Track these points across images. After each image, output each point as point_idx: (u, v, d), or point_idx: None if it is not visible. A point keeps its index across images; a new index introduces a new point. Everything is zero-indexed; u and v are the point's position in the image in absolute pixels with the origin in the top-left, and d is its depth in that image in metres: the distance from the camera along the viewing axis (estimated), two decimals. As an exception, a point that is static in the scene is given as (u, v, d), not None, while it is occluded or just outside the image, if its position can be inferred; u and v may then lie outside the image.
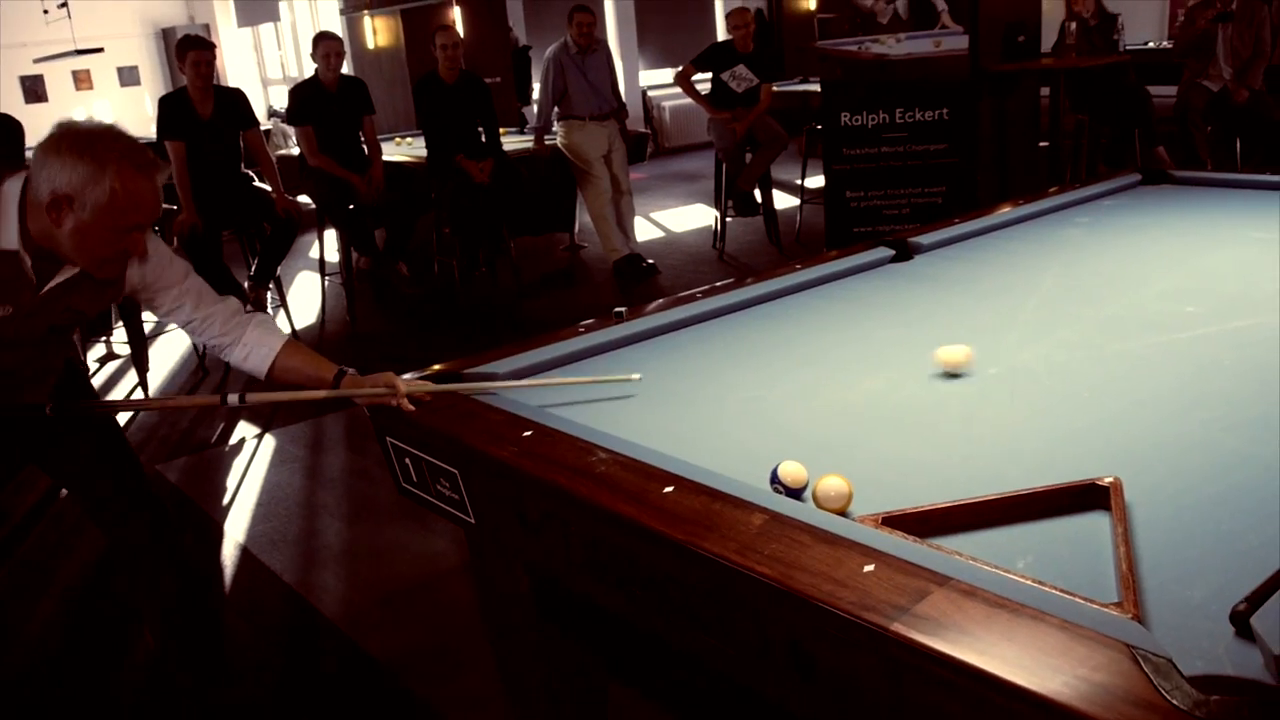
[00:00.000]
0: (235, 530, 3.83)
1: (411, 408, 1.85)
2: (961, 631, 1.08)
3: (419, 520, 3.64)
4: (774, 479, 1.48)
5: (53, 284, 2.06)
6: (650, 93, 12.97)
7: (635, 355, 2.22)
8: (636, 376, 1.99)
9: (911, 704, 1.12)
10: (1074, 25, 6.80)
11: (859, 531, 1.31)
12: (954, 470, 1.54)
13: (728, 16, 7.08)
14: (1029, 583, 1.17)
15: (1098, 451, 1.57)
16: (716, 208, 7.39)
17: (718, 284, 2.63)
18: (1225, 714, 0.93)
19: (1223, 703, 0.94)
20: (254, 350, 2.19)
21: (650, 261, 6.79)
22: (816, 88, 7.08)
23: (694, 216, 8.68)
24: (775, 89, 7.33)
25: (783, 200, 8.04)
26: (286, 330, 5.53)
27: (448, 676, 2.83)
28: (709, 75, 7.03)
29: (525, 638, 1.98)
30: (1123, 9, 6.96)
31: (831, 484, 1.43)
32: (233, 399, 2.03)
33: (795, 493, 1.47)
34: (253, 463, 4.44)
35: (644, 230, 8.03)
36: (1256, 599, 1.12)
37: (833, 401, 1.89)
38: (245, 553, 3.65)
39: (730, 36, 6.95)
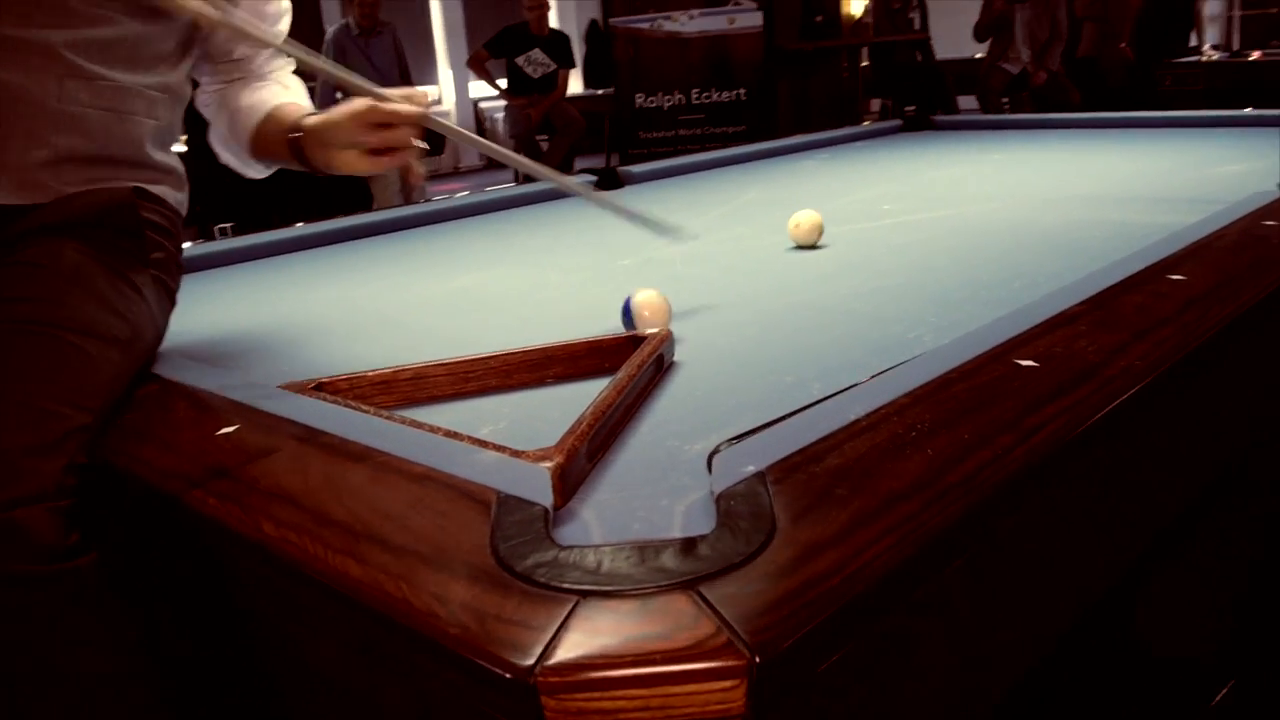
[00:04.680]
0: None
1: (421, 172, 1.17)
2: (278, 495, 0.72)
3: None
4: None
5: None
6: (482, 104, 12.57)
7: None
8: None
9: (228, 583, 0.77)
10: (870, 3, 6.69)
11: (270, 397, 0.94)
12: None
13: None
14: (438, 435, 0.81)
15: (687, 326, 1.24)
16: (517, 200, 7.04)
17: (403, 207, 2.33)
18: (543, 568, 0.59)
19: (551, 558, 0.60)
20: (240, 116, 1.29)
21: None
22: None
23: (508, 218, 8.32)
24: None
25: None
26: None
27: None
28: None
29: None
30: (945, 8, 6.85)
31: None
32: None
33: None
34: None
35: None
36: (735, 441, 0.79)
37: (418, 293, 1.56)
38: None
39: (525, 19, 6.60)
